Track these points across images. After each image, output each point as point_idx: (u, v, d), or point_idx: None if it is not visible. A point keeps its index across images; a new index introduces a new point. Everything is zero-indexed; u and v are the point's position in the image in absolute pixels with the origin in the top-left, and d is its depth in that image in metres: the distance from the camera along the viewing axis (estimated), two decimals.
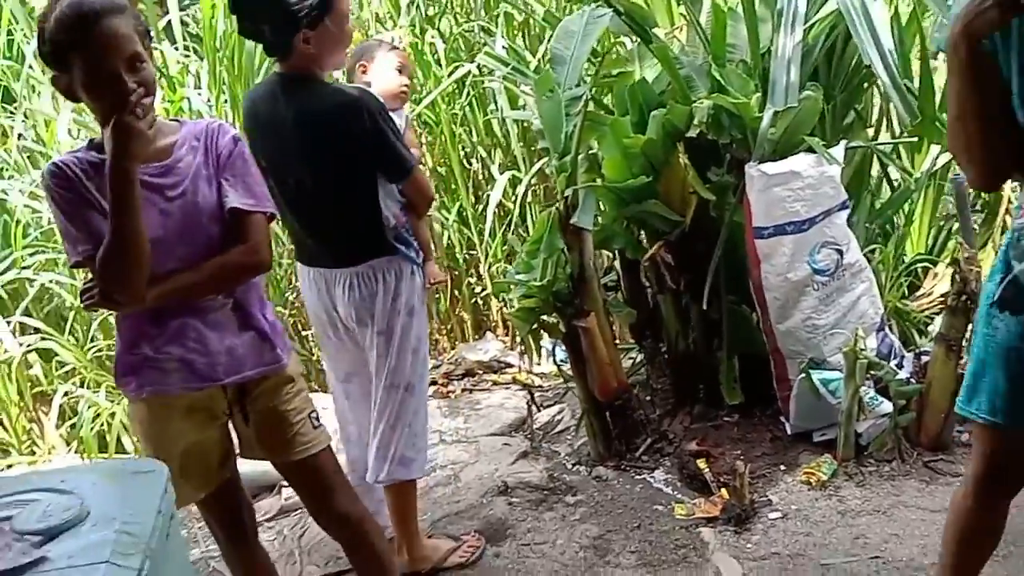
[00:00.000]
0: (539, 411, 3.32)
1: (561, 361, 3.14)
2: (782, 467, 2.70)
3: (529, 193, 3.86)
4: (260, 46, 2.17)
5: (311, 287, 2.23)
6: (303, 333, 3.83)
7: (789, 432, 2.77)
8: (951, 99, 1.38)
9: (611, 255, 3.25)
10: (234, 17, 2.09)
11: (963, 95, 1.34)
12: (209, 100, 3.72)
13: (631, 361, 3.37)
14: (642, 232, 2.96)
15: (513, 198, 3.79)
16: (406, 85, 2.46)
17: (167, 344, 1.64)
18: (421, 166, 2.23)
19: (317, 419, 1.79)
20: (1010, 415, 1.52)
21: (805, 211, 2.49)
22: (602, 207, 2.88)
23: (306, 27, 1.98)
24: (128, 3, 1.53)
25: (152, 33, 1.63)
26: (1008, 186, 2.37)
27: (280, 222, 2.28)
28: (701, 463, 2.68)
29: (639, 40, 2.84)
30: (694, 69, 2.68)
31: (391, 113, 2.15)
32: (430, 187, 2.33)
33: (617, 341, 3.52)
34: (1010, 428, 1.55)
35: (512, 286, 2.99)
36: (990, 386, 1.52)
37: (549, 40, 3.06)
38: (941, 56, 2.10)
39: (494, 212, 3.76)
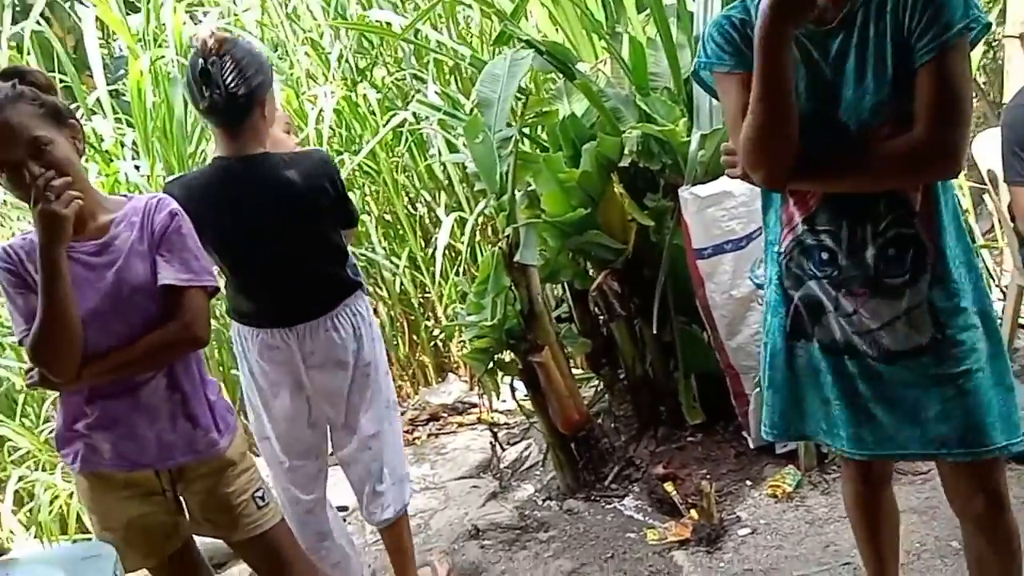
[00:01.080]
0: (505, 449, 3.30)
1: (523, 398, 3.15)
2: (748, 482, 2.71)
3: (477, 232, 3.88)
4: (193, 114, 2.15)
5: (268, 349, 2.11)
6: None
7: (752, 446, 2.78)
8: (763, 95, 1.33)
9: (560, 287, 3.27)
10: (185, 94, 2.05)
11: (780, 86, 1.33)
12: (139, 169, 3.69)
13: (593, 390, 3.37)
14: (588, 262, 2.99)
15: (461, 239, 3.81)
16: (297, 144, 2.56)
17: (98, 426, 1.64)
18: None
19: (263, 497, 1.76)
20: (838, 432, 1.54)
21: (741, 228, 2.53)
22: (547, 241, 2.91)
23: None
24: (23, 89, 1.52)
25: (66, 108, 1.60)
26: None
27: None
28: (668, 486, 2.69)
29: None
30: (620, 100, 2.73)
31: None
32: None
33: (580, 370, 3.54)
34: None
35: (463, 328, 2.99)
36: (812, 409, 1.55)
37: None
38: None
39: (444, 254, 3.77)
